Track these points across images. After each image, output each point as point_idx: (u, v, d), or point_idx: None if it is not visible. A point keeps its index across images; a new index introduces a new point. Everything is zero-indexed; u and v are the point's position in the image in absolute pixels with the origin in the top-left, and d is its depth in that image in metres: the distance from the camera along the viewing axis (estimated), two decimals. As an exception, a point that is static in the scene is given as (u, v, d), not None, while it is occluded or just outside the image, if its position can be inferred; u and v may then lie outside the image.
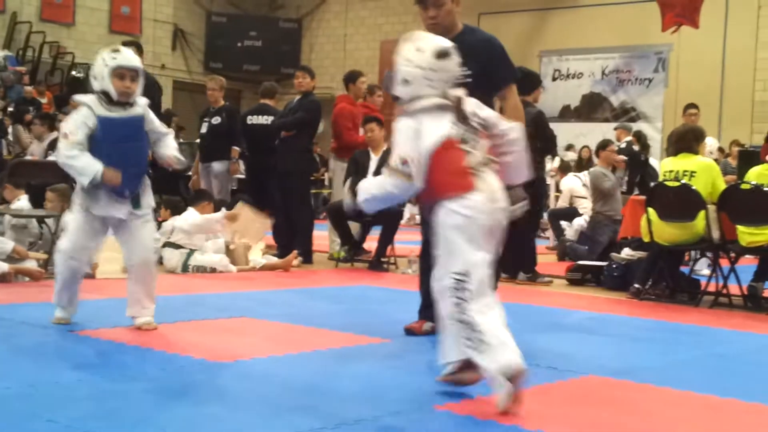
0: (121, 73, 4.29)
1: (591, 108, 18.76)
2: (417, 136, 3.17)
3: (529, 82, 7.68)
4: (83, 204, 4.37)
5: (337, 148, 8.89)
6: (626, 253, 7.24)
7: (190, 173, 9.71)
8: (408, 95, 3.24)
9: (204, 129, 9.17)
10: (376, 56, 21.62)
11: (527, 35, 19.50)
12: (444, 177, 3.15)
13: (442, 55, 3.24)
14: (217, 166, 9.04)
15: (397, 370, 3.76)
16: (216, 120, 9.01)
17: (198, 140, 9.81)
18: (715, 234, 6.34)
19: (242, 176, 9.93)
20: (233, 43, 21.66)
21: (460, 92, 3.29)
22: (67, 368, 3.57)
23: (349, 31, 22.39)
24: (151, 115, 4.50)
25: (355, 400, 3.24)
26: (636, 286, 6.68)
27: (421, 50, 3.24)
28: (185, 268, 7.07)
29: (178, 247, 7.17)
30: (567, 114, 18.92)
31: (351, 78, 9.02)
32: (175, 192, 9.21)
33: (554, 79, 19.02)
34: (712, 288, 6.49)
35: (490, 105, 4.75)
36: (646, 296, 6.64)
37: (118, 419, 2.82)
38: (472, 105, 3.31)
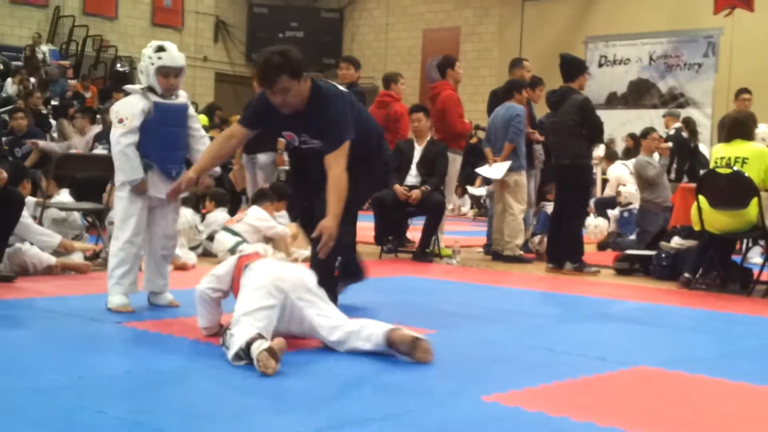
0: (166, 72, 4.59)
1: (638, 95, 18.49)
2: None
3: (573, 69, 7.56)
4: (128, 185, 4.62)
5: (449, 137, 8.38)
6: (676, 242, 7.10)
7: (231, 165, 9.71)
8: None
9: (248, 121, 9.17)
10: (418, 45, 21.56)
11: (572, 21, 19.28)
12: None
13: None
14: (263, 157, 9.02)
15: (443, 361, 3.72)
16: (262, 111, 8.99)
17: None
18: (768, 221, 6.20)
19: (287, 168, 9.92)
20: (275, 34, 21.74)
21: None
22: (115, 360, 3.59)
23: (390, 20, 22.33)
24: (192, 111, 4.86)
25: (402, 391, 3.22)
26: (686, 275, 6.55)
27: None
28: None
29: (234, 233, 7.10)
30: (614, 101, 18.68)
31: (449, 63, 8.66)
32: (219, 184, 9.25)
33: (600, 66, 18.78)
34: (765, 277, 6.35)
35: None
36: (697, 286, 6.51)
37: (167, 411, 2.83)
38: None
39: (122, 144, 4.55)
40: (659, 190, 8.82)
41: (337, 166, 4.22)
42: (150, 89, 4.60)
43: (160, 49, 4.61)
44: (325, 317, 3.77)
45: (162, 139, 4.61)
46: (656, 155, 9.78)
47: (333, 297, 4.25)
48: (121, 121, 4.58)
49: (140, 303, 4.73)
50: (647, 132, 9.76)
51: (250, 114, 4.60)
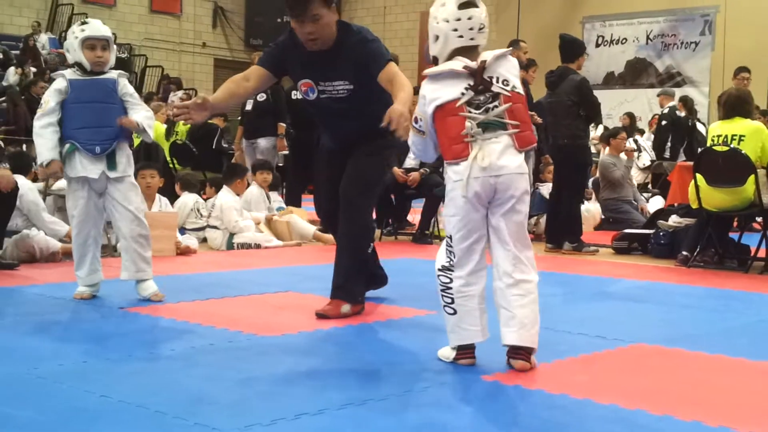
0: (91, 44, 4.50)
1: (635, 74, 18.46)
2: (425, 98, 3.32)
3: (573, 50, 7.57)
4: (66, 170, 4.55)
5: None
6: (674, 220, 7.13)
7: (232, 150, 9.76)
8: (439, 51, 3.35)
9: (249, 106, 9.19)
10: (416, 28, 21.48)
11: (569, 1, 19.23)
12: (444, 141, 3.30)
13: (464, 5, 3.30)
14: (263, 142, 9.07)
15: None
16: (261, 97, 9.01)
17: (240, 117, 9.85)
18: (765, 199, 6.22)
19: (287, 153, 9.96)
20: (273, 18, 21.63)
21: (488, 55, 3.30)
22: (118, 345, 3.61)
23: (388, 3, 22.26)
24: (125, 83, 4.64)
25: (403, 371, 3.24)
26: (684, 253, 6.58)
27: (444, 4, 3.33)
28: (230, 245, 7.13)
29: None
30: (611, 81, 18.65)
31: None
32: (219, 170, 9.28)
33: (597, 46, 18.73)
34: (762, 254, 6.37)
35: (379, 92, 4.04)
36: (695, 264, 6.54)
37: (170, 394, 2.85)
38: (498, 70, 3.30)
39: (36, 127, 4.47)
40: (620, 190, 9.03)
41: (399, 74, 3.98)
42: (79, 66, 4.52)
43: (83, 23, 4.59)
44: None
45: (82, 116, 4.47)
46: (623, 156, 9.90)
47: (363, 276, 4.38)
48: (41, 105, 4.54)
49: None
50: (616, 132, 9.90)
51: (267, 54, 4.29)
